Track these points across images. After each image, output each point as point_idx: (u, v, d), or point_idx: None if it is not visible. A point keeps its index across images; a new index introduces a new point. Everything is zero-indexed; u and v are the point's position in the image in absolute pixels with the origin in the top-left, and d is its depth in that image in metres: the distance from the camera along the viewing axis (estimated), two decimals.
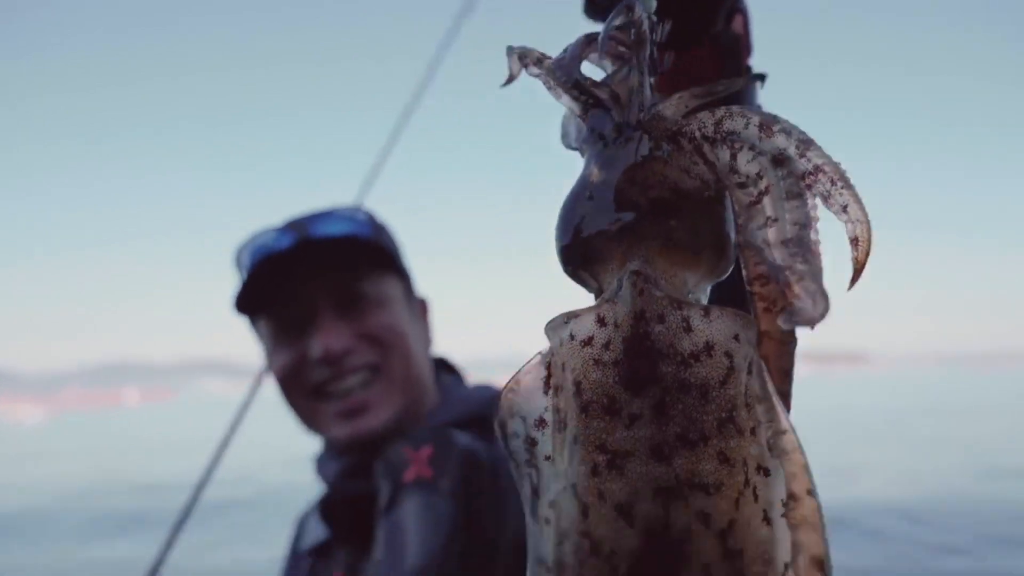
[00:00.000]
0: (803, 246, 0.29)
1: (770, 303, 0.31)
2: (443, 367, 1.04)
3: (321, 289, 0.92)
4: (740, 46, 0.47)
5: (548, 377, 0.31)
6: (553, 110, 0.37)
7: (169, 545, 1.15)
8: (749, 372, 0.29)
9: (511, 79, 0.33)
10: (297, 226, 0.94)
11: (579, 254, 0.31)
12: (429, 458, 0.86)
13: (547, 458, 0.31)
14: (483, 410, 0.94)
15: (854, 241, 0.29)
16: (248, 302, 0.95)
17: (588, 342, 0.29)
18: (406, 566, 0.80)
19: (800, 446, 0.29)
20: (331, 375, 0.92)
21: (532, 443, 0.31)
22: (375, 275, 0.95)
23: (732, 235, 0.31)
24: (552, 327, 0.31)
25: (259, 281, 0.93)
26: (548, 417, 0.31)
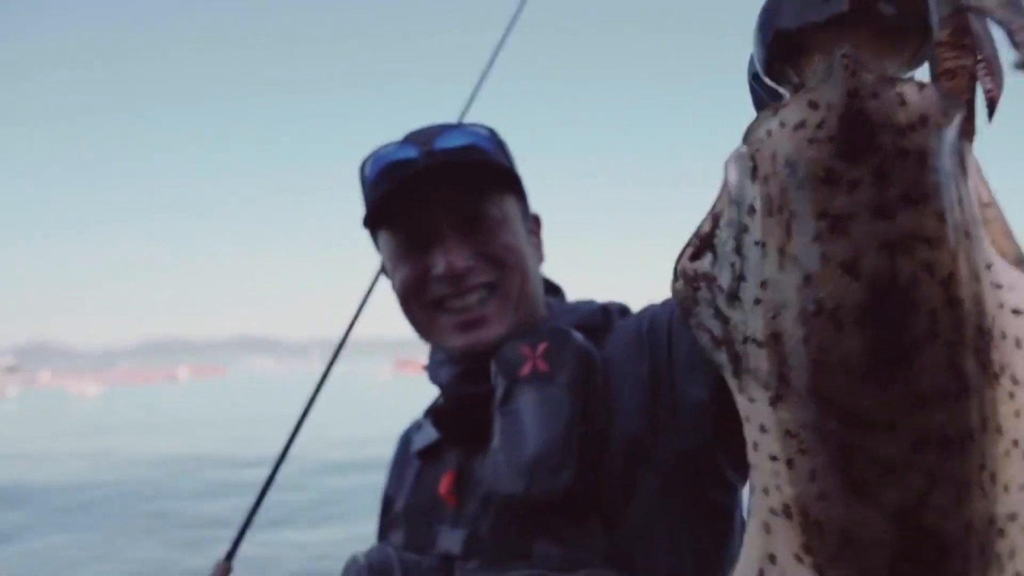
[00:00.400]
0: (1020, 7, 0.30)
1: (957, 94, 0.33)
2: (548, 285, 1.06)
3: (446, 206, 0.94)
4: None
5: (754, 168, 0.33)
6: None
7: (250, 519, 1.21)
8: (957, 148, 0.31)
9: None
10: (421, 138, 0.95)
11: (787, 46, 0.32)
12: (545, 352, 0.88)
13: (757, 243, 0.33)
14: (588, 319, 0.96)
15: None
16: (371, 216, 0.97)
17: (801, 125, 0.31)
18: (526, 454, 0.83)
19: (1004, 218, 0.31)
20: (451, 291, 0.94)
21: (744, 229, 0.33)
22: (497, 194, 0.96)
23: (936, 20, 0.32)
24: (756, 123, 0.33)
25: (383, 194, 0.94)
26: (758, 204, 0.33)
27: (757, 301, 0.33)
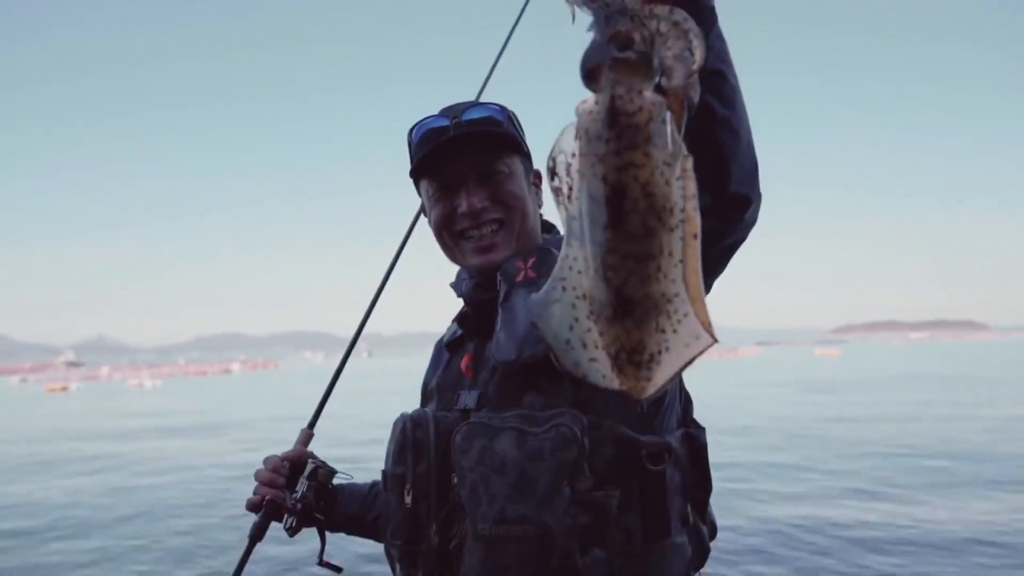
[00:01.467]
0: (685, 59, 0.64)
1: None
2: (545, 225, 1.37)
3: (469, 163, 1.26)
4: None
5: (575, 131, 0.67)
6: None
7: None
8: (664, 121, 0.64)
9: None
10: (452, 112, 1.28)
11: (587, 73, 0.66)
12: (534, 264, 1.21)
13: (576, 170, 0.67)
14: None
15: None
16: (417, 168, 1.30)
17: (591, 111, 0.65)
18: (518, 333, 1.15)
19: (687, 174, 0.65)
20: (471, 224, 1.26)
21: (570, 164, 0.67)
22: (506, 155, 1.27)
23: (656, 62, 0.65)
24: (577, 108, 0.67)
25: (424, 153, 1.27)
26: (576, 150, 0.66)
27: (571, 199, 0.67)
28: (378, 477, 1.39)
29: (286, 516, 1.38)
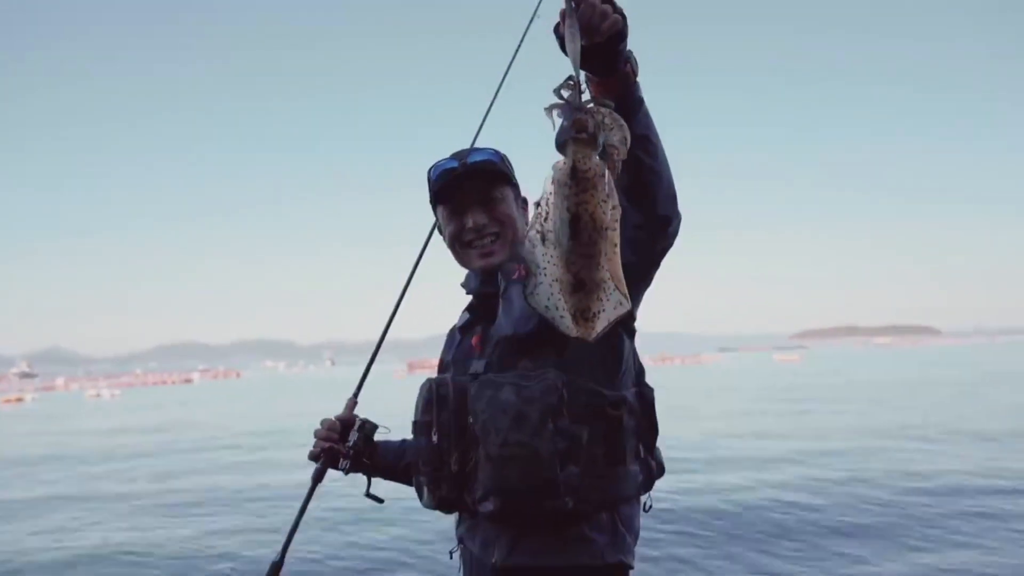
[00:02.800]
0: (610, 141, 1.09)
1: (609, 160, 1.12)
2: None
3: (473, 192, 1.63)
4: (630, 80, 1.28)
5: (552, 180, 1.10)
6: None
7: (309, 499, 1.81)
8: (603, 176, 1.09)
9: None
10: (460, 155, 1.67)
11: (560, 145, 1.10)
12: (525, 265, 1.52)
13: (551, 203, 1.10)
14: None
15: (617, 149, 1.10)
16: (435, 197, 1.72)
17: (561, 168, 1.08)
18: (515, 314, 1.51)
19: (616, 207, 1.10)
20: (475, 237, 1.63)
21: (548, 200, 1.11)
22: (501, 186, 1.65)
23: (601, 140, 1.09)
24: (554, 166, 1.10)
25: (439, 186, 1.66)
26: (551, 190, 1.10)
27: (547, 218, 1.12)
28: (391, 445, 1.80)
29: (341, 460, 1.74)
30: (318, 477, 1.76)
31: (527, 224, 1.71)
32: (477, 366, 1.58)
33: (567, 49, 1.15)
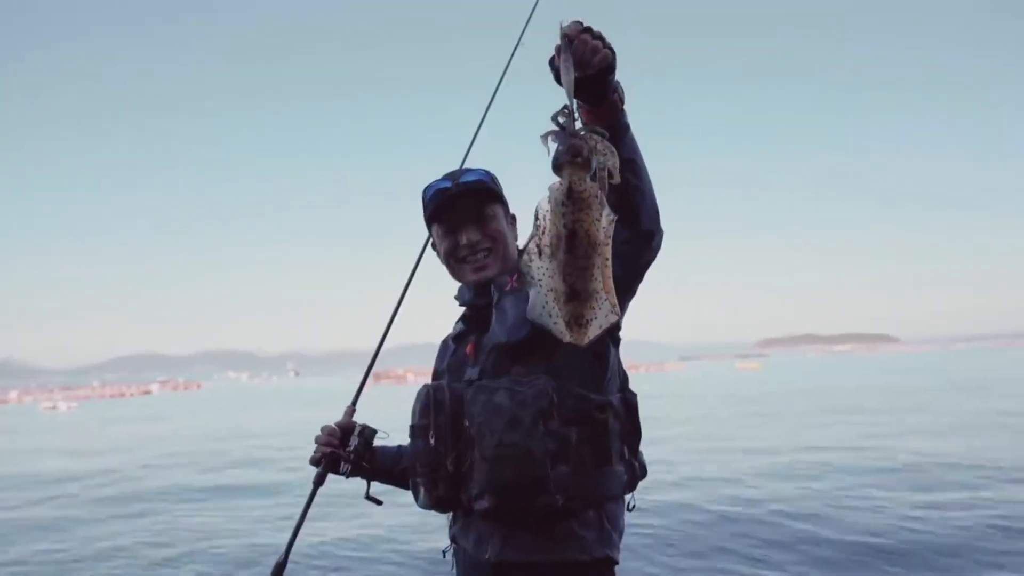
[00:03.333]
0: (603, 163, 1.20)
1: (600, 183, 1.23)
2: (519, 250, 1.79)
3: (465, 210, 1.72)
4: (618, 108, 1.40)
5: (549, 199, 1.21)
6: None
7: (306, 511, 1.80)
8: (596, 196, 1.20)
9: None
10: (453, 176, 1.76)
11: (556, 166, 1.20)
12: (517, 279, 1.65)
13: (548, 219, 1.21)
14: None
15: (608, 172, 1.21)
16: (430, 216, 1.77)
17: (559, 189, 1.19)
18: (507, 324, 1.59)
19: (612, 223, 1.21)
20: (469, 253, 1.72)
21: (546, 216, 1.21)
22: (491, 203, 1.74)
23: (595, 164, 1.20)
24: (551, 187, 1.21)
25: (434, 206, 1.75)
26: (548, 208, 1.20)
27: (544, 233, 1.23)
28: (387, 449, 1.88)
29: (343, 464, 1.80)
30: (319, 481, 1.82)
31: (516, 238, 1.82)
32: (471, 373, 1.65)
33: (562, 80, 1.26)
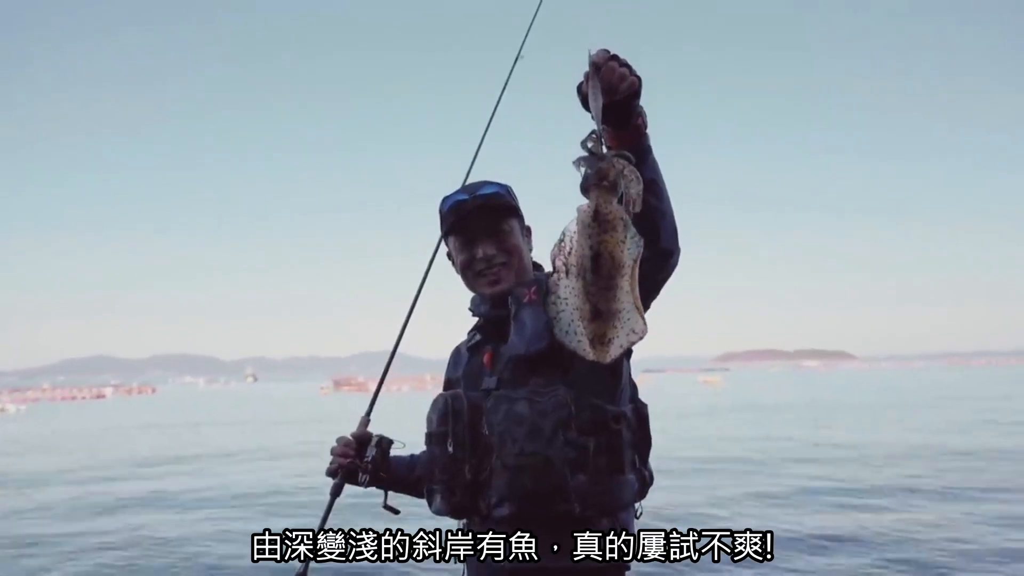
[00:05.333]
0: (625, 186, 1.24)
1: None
2: (535, 265, 1.85)
3: (482, 224, 1.75)
4: (641, 132, 1.44)
5: (577, 221, 1.25)
6: None
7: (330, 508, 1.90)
8: (622, 219, 1.24)
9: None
10: (470, 189, 1.80)
11: (584, 188, 1.25)
12: (535, 291, 1.68)
13: (574, 239, 1.25)
14: (550, 276, 1.73)
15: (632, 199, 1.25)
16: (447, 228, 1.80)
17: (585, 210, 1.23)
18: (526, 335, 1.63)
19: (638, 245, 1.25)
20: (486, 266, 1.76)
21: (572, 237, 1.25)
22: (507, 218, 1.77)
23: (621, 188, 1.25)
24: (579, 208, 1.25)
25: (452, 219, 1.77)
26: (575, 229, 1.25)
27: (570, 253, 1.27)
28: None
29: (360, 475, 1.81)
30: (336, 492, 1.84)
31: (531, 249, 1.85)
32: (489, 382, 1.69)
33: (590, 107, 1.31)
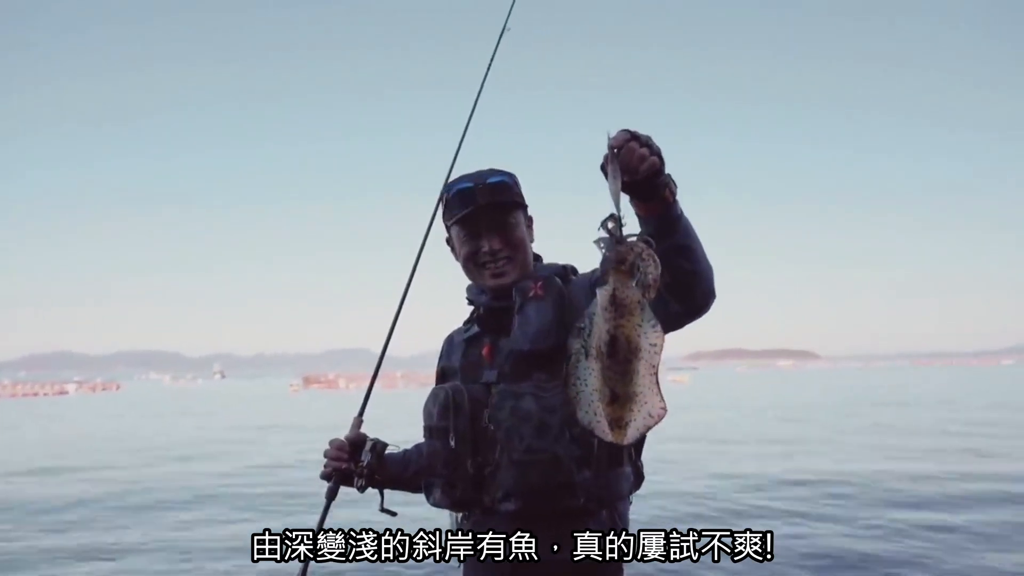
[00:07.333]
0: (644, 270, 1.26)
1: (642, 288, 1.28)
2: (535, 256, 1.83)
3: (488, 216, 1.72)
4: (669, 201, 1.42)
5: (605, 296, 1.26)
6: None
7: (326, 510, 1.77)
8: (639, 302, 1.25)
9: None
10: (476, 177, 1.75)
11: (603, 276, 1.25)
12: (541, 286, 1.68)
13: (595, 318, 1.25)
14: (559, 272, 1.74)
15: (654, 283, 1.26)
16: (451, 218, 1.77)
17: (602, 294, 1.24)
18: (531, 331, 1.63)
19: (655, 330, 1.26)
20: (490, 259, 1.74)
21: (593, 315, 1.26)
22: (512, 209, 1.75)
23: (639, 277, 1.26)
24: (599, 285, 1.26)
25: (456, 207, 1.74)
26: (598, 310, 1.26)
27: (590, 335, 1.28)
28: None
29: (356, 479, 1.77)
30: (331, 495, 1.82)
31: (533, 240, 1.84)
32: (488, 376, 1.70)
33: (609, 189, 1.31)
